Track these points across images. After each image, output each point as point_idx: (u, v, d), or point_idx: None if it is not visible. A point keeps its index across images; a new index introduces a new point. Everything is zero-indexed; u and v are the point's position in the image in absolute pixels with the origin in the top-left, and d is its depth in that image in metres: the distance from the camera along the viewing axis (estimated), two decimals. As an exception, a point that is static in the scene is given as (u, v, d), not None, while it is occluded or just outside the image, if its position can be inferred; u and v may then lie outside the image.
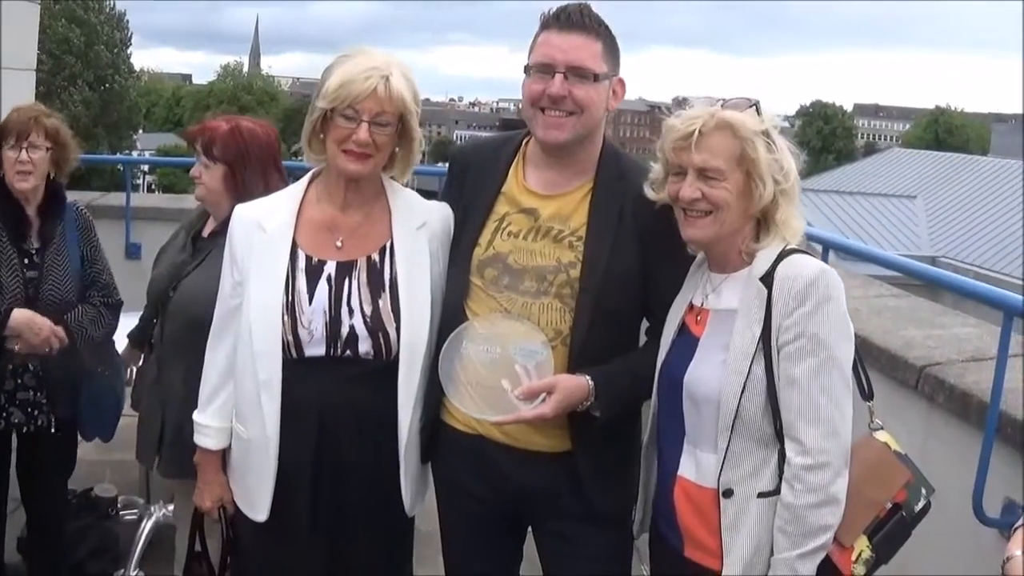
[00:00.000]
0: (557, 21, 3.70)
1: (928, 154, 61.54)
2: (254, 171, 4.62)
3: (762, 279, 3.37)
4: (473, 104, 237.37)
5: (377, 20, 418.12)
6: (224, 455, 4.08)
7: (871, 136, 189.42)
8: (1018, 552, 3.08)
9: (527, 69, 3.76)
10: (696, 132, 3.35)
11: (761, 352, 3.32)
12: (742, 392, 3.31)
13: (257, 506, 3.92)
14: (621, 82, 3.82)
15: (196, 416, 4.06)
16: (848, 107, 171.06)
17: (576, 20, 3.68)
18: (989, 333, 6.01)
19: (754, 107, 3.42)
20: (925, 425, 5.18)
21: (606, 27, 3.75)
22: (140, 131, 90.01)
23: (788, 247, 3.42)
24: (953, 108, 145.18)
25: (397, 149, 3.88)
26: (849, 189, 43.90)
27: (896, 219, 41.83)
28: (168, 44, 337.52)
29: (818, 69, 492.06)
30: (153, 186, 71.87)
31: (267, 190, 4.36)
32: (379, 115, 3.70)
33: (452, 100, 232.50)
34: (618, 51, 3.80)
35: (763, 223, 3.46)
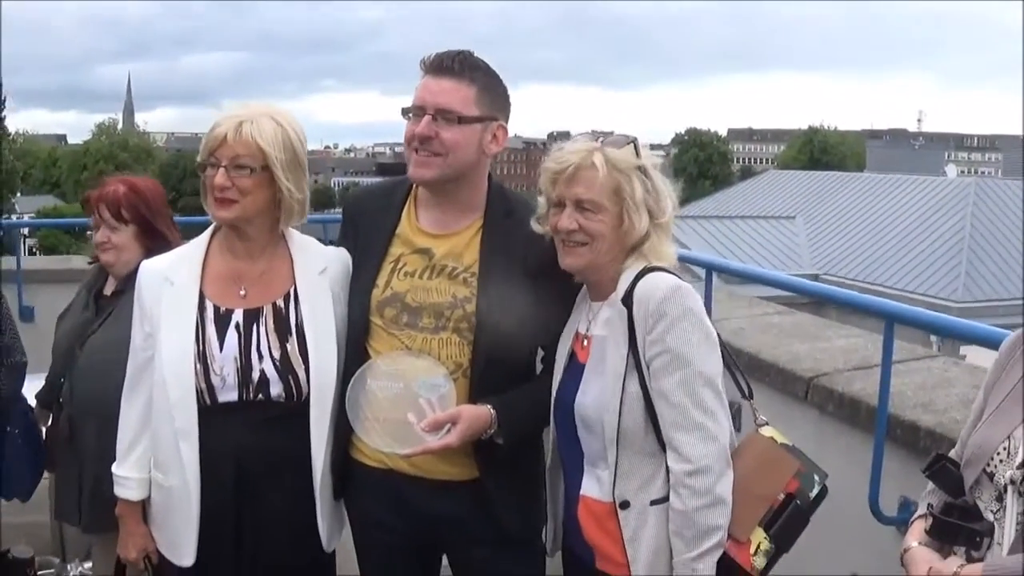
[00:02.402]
0: (432, 67, 3.84)
1: (804, 174, 62.48)
2: (162, 225, 4.75)
3: (623, 300, 3.53)
4: (348, 150, 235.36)
5: (246, 71, 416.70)
6: (144, 505, 4.13)
7: (747, 160, 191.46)
8: (915, 543, 3.29)
9: (404, 111, 3.89)
10: (575, 167, 3.51)
11: (633, 370, 3.48)
12: (620, 409, 3.47)
13: (182, 552, 3.97)
14: (502, 128, 3.93)
15: (115, 469, 4.10)
16: (723, 132, 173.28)
17: (448, 66, 3.81)
18: (872, 343, 6.22)
19: (632, 144, 3.59)
20: (817, 433, 5.35)
21: (486, 74, 3.89)
22: (18, 194, 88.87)
23: (648, 266, 3.57)
24: (827, 127, 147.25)
25: (281, 197, 3.94)
26: (728, 213, 44.43)
27: (777, 240, 42.47)
28: (40, 106, 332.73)
29: (690, 97, 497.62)
30: (35, 248, 71.05)
31: (173, 242, 4.49)
32: (235, 159, 3.80)
33: (328, 147, 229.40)
34: (502, 98, 3.94)
35: (632, 251, 3.61)
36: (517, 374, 3.95)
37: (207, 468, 3.88)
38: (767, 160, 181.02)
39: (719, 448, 3.42)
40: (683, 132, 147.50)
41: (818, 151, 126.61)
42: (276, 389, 3.89)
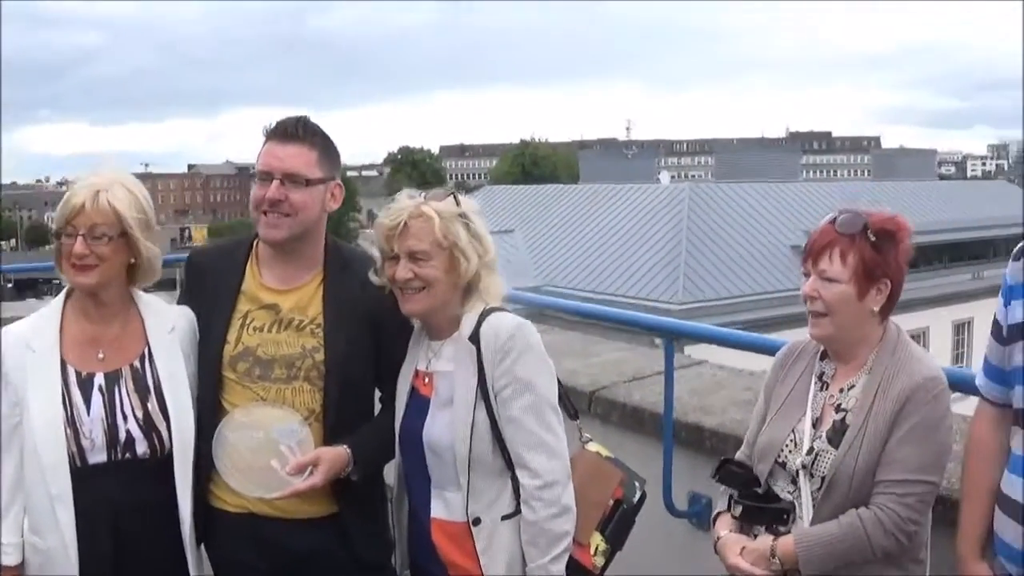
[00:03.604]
0: (276, 134, 4.19)
1: (520, 188, 63.78)
2: None
3: (470, 338, 3.97)
4: (61, 183, 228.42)
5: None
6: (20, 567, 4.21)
7: (460, 176, 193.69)
8: (724, 532, 3.91)
9: (251, 176, 4.23)
10: (403, 223, 3.93)
11: (481, 400, 3.92)
12: (471, 436, 3.90)
13: None
14: (339, 186, 4.31)
15: None
16: (435, 150, 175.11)
17: (292, 132, 4.17)
18: (639, 355, 6.88)
19: (452, 195, 4.05)
20: (603, 442, 5.84)
21: (323, 137, 4.25)
22: None
23: (488, 307, 4.04)
24: (538, 140, 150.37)
25: (133, 260, 4.16)
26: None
27: (498, 254, 43.12)
28: None
29: (402, 116, 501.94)
30: None
31: None
32: (93, 227, 4.00)
33: (39, 181, 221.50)
34: (335, 157, 4.30)
35: (467, 291, 4.06)
36: (363, 413, 4.32)
37: (84, 528, 4.04)
38: (480, 175, 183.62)
39: (563, 463, 3.92)
40: (396, 151, 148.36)
41: (530, 163, 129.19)
42: (142, 447, 4.11)
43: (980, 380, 3.71)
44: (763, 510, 3.82)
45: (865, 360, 3.77)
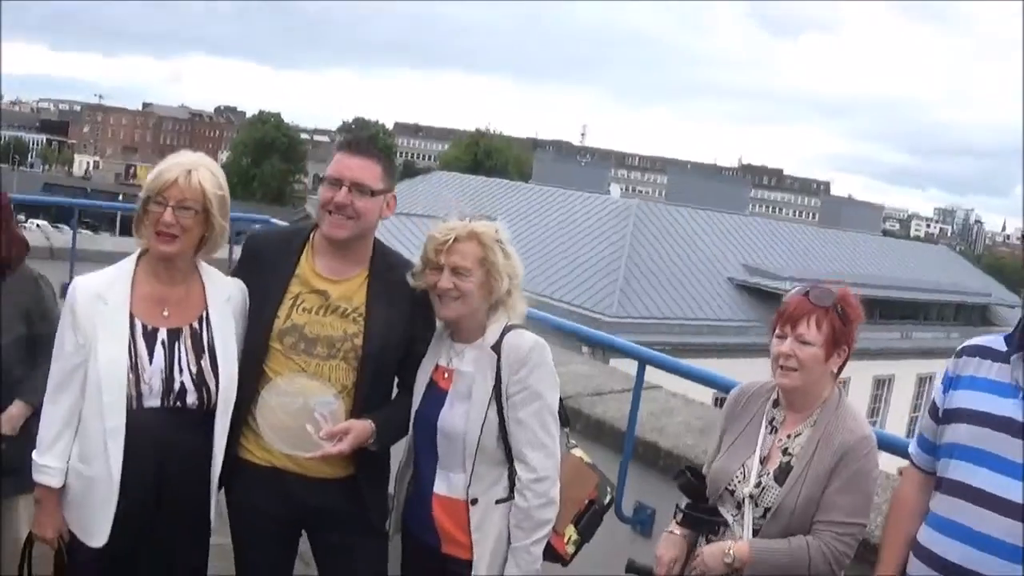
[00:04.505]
0: (347, 146, 4.80)
1: (472, 178, 63.71)
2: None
3: (493, 347, 4.61)
4: (14, 103, 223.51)
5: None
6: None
7: (411, 155, 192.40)
8: (677, 530, 4.65)
9: (321, 179, 4.80)
10: (452, 239, 4.56)
11: (494, 401, 4.55)
12: (481, 429, 4.54)
13: (95, 534, 4.57)
14: (394, 197, 4.90)
15: (37, 457, 4.59)
16: (389, 125, 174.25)
17: (362, 147, 4.79)
18: (601, 371, 7.53)
19: (494, 223, 4.67)
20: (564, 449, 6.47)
21: (387, 155, 4.88)
22: None
23: (510, 323, 4.66)
24: (493, 131, 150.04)
25: (205, 235, 4.67)
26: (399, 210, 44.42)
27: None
28: None
29: (362, 86, 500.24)
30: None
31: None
32: (182, 201, 4.48)
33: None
34: (395, 172, 4.89)
35: (494, 307, 4.67)
36: (386, 393, 4.95)
37: (130, 461, 4.50)
38: (431, 157, 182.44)
39: (555, 463, 4.59)
40: (350, 120, 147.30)
41: (483, 154, 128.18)
42: (191, 398, 4.60)
43: (913, 448, 4.32)
44: (699, 519, 4.54)
45: (812, 412, 4.41)
